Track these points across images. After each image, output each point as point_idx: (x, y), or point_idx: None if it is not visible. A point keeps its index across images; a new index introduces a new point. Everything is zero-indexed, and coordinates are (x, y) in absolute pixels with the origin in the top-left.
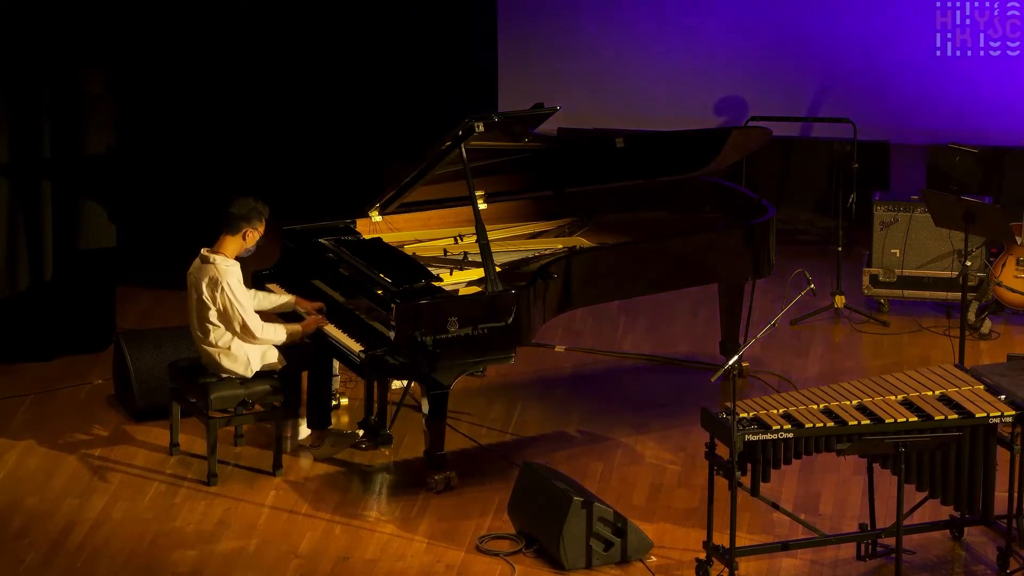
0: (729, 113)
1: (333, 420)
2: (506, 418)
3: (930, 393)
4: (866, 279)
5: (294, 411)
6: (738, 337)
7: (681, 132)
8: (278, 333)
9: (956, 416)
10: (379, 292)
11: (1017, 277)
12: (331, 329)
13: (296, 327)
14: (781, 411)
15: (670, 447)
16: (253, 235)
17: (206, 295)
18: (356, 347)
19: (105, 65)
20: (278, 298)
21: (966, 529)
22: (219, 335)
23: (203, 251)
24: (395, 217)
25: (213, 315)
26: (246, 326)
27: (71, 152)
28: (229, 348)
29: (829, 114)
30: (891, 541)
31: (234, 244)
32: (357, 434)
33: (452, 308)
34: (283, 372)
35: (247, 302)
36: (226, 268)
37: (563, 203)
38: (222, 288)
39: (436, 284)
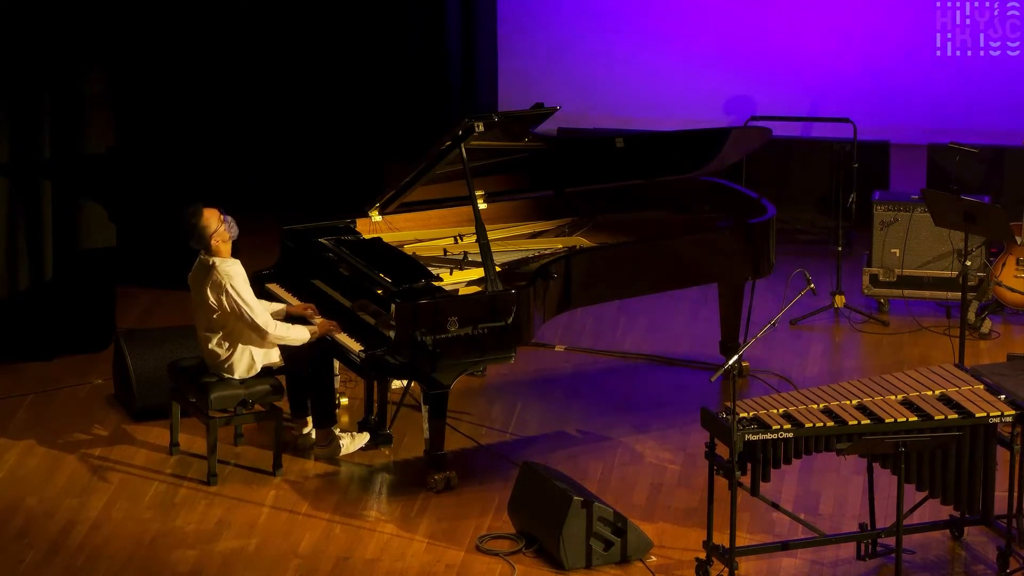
0: (730, 113)
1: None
2: (506, 418)
3: (930, 393)
4: (866, 279)
5: (302, 411)
6: (738, 337)
7: (681, 132)
8: (300, 332)
9: (956, 416)
10: (379, 292)
11: (1017, 277)
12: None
13: (313, 328)
14: (781, 411)
15: (670, 447)
16: (215, 224)
17: (211, 299)
18: (356, 347)
19: (105, 65)
20: (270, 305)
21: (966, 529)
22: (224, 336)
23: (202, 254)
24: (395, 217)
25: (216, 316)
26: (257, 326)
27: (71, 152)
28: (234, 350)
29: (829, 114)
30: (891, 541)
31: (221, 247)
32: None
33: (452, 308)
34: (289, 375)
35: (254, 301)
36: (227, 270)
37: (563, 203)
38: (227, 291)
39: (436, 284)
